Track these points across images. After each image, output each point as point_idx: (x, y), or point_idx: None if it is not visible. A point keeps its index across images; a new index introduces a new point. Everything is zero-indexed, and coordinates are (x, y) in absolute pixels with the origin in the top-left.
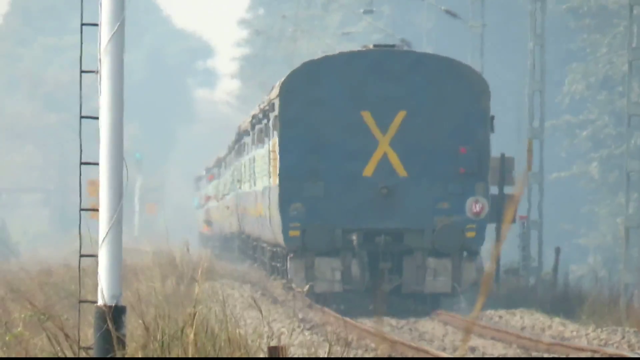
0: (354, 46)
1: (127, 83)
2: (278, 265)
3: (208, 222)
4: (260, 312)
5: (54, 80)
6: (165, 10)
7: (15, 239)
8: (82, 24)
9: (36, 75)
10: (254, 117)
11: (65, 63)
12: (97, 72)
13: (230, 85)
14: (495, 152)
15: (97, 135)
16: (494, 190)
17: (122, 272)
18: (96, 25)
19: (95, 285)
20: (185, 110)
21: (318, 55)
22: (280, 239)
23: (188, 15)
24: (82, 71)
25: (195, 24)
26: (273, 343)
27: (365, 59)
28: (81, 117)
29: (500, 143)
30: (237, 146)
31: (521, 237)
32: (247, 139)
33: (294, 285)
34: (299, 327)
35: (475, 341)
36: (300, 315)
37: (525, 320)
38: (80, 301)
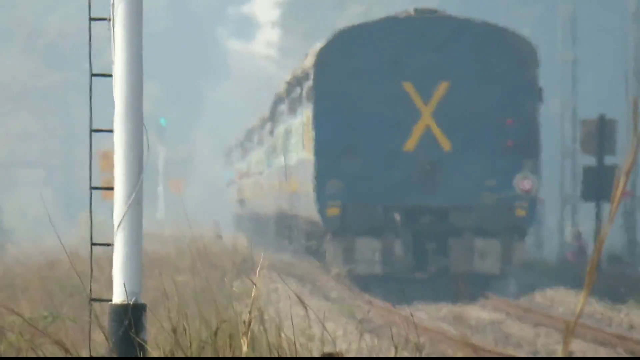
0: None
1: (146, 33)
2: (314, 245)
3: (241, 202)
4: (306, 308)
5: (56, 31)
6: None
7: (11, 224)
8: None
9: (34, 24)
10: (288, 83)
11: (69, 9)
12: (110, 19)
13: (270, 35)
14: (592, 113)
15: (110, 97)
16: (590, 160)
17: (142, 263)
18: None
19: (109, 279)
20: (216, 66)
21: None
22: (316, 217)
23: None
24: (91, 18)
25: None
26: (327, 349)
27: (405, 26)
28: (91, 74)
29: (599, 102)
30: (272, 115)
31: (625, 217)
32: (282, 108)
33: (331, 268)
34: (357, 328)
35: (572, 344)
36: (358, 315)
37: (633, 318)
38: (92, 299)
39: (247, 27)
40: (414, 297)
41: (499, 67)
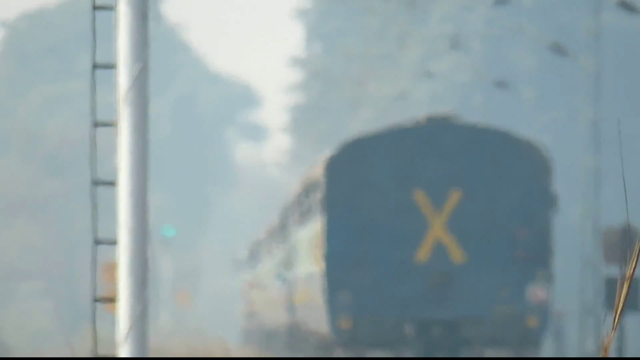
0: (437, 87)
1: (152, 139)
2: (324, 358)
3: (250, 315)
4: None
5: (57, 137)
6: (197, 49)
7: (10, 339)
8: (94, 66)
9: (34, 131)
10: (297, 194)
11: (70, 114)
12: (115, 124)
13: (280, 141)
14: (616, 221)
15: (113, 206)
16: (615, 271)
17: None
18: (112, 67)
19: None
20: (224, 174)
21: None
22: (327, 329)
23: (226, 55)
24: (95, 124)
25: (235, 66)
26: None
27: (416, 134)
28: (93, 182)
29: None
30: (282, 226)
31: None
32: (293, 218)
33: None
34: None
35: None
36: None
37: None
38: None
39: (256, 132)
40: None
41: (512, 175)
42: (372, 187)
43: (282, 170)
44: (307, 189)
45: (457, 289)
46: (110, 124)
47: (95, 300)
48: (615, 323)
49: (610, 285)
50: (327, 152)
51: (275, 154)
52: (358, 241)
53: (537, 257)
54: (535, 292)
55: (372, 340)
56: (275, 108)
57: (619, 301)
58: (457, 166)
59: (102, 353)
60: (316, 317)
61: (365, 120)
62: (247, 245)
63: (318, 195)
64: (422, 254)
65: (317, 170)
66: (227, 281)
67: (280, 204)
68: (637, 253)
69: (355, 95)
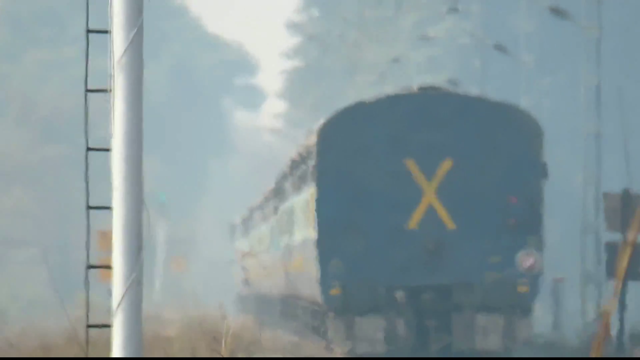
0: (435, 51)
1: (146, 105)
2: (317, 325)
3: (245, 282)
4: None
5: (51, 104)
6: (194, 12)
7: (3, 305)
8: (88, 31)
9: (28, 96)
10: (292, 161)
11: (65, 80)
12: (109, 91)
13: (276, 106)
14: (618, 186)
15: (108, 173)
16: (615, 237)
17: (142, 346)
18: (106, 32)
19: None
20: (220, 140)
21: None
22: (319, 296)
23: (223, 20)
24: (87, 90)
25: (233, 30)
26: None
27: (409, 103)
28: (88, 149)
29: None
30: (277, 193)
31: None
32: (287, 185)
33: (333, 347)
34: None
35: None
36: None
37: None
38: None
39: (253, 98)
40: None
41: (503, 144)
42: (364, 155)
43: (277, 136)
44: (302, 157)
45: (449, 255)
46: (105, 90)
47: (89, 267)
48: (617, 289)
49: (611, 251)
50: (322, 119)
51: (272, 119)
52: (350, 208)
53: (528, 224)
54: (526, 258)
55: (364, 307)
56: (272, 73)
57: (621, 267)
58: (449, 135)
59: (94, 320)
60: (309, 283)
61: (362, 85)
62: (242, 212)
63: (311, 163)
64: (414, 221)
65: (311, 138)
66: (223, 247)
67: (276, 169)
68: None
69: (353, 60)
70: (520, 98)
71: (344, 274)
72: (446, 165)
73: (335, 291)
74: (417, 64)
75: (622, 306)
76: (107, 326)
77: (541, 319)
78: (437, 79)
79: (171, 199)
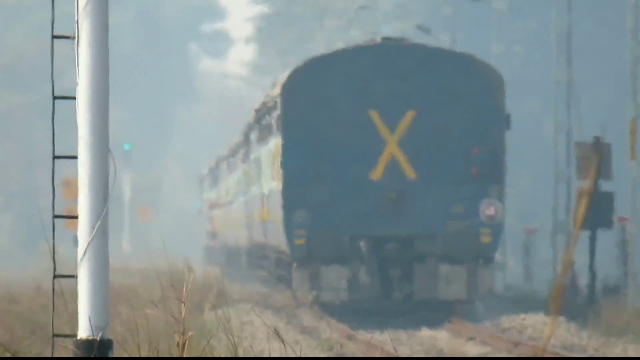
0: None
1: (112, 52)
2: (283, 273)
3: (212, 233)
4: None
5: (15, 50)
6: None
7: None
8: None
9: None
10: (257, 112)
11: (29, 26)
12: (74, 38)
13: (244, 53)
14: (587, 135)
15: (74, 121)
16: (586, 185)
17: (108, 296)
18: None
19: (74, 314)
20: (187, 87)
21: (355, 8)
22: (284, 246)
23: None
24: (54, 36)
25: None
26: None
27: (372, 54)
28: (54, 97)
29: (595, 124)
30: (243, 144)
31: (621, 245)
32: (252, 136)
33: (298, 295)
34: None
35: None
36: (339, 347)
37: (630, 354)
38: (55, 335)
39: (219, 44)
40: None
41: (466, 95)
42: (328, 107)
43: (244, 83)
44: (266, 107)
45: (411, 205)
46: (70, 37)
47: (55, 216)
48: (575, 237)
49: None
50: (286, 70)
51: (240, 65)
52: (314, 159)
53: (490, 175)
54: (488, 207)
55: (328, 256)
56: (239, 19)
57: (579, 216)
58: (413, 86)
59: (61, 270)
60: (275, 233)
61: (330, 31)
62: (209, 161)
63: (276, 114)
64: (377, 172)
65: (275, 89)
66: (190, 196)
67: (244, 116)
68: (596, 167)
69: (321, 6)
70: (491, 44)
71: (308, 224)
72: (409, 116)
73: (300, 241)
74: (385, 10)
75: (593, 256)
76: (74, 277)
77: (512, 270)
78: (406, 25)
79: (137, 148)
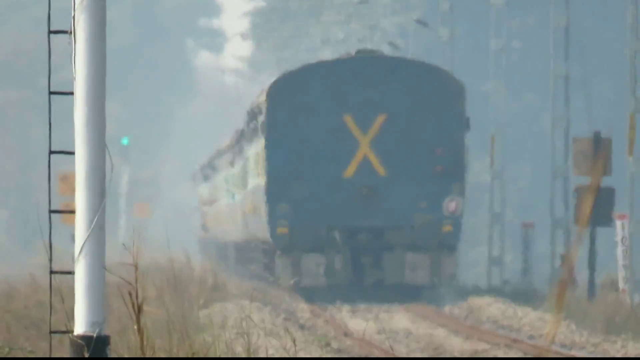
0: None
1: (109, 47)
2: (267, 261)
3: (204, 227)
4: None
5: (11, 45)
6: None
7: None
8: None
9: None
10: (247, 114)
11: (24, 21)
12: (71, 32)
13: (240, 48)
14: (588, 131)
15: (70, 116)
16: (584, 181)
17: (105, 292)
18: None
19: (71, 310)
20: (183, 82)
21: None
22: (268, 236)
23: None
24: (50, 31)
25: None
26: None
27: (347, 66)
28: (50, 92)
29: (595, 119)
30: (234, 144)
31: (621, 241)
32: (242, 137)
33: (280, 281)
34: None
35: None
36: (335, 345)
37: (630, 350)
38: (52, 332)
39: (216, 39)
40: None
41: (430, 101)
42: (308, 112)
43: (241, 78)
44: (253, 112)
45: (382, 200)
46: (67, 32)
47: (51, 211)
48: (579, 235)
49: (580, 196)
50: (286, 60)
51: (236, 60)
52: (295, 159)
53: (453, 172)
54: (450, 203)
55: (307, 245)
56: (235, 14)
57: (584, 213)
58: (383, 93)
59: (58, 267)
60: (260, 225)
61: (328, 25)
62: (205, 156)
63: (261, 118)
64: (351, 170)
65: (261, 95)
66: (187, 191)
67: (240, 111)
68: (602, 163)
69: (318, 0)
70: (489, 39)
71: (289, 216)
72: (380, 120)
73: (282, 230)
74: (383, 5)
75: (593, 252)
76: (71, 273)
77: (511, 265)
78: (405, 19)
79: (134, 142)
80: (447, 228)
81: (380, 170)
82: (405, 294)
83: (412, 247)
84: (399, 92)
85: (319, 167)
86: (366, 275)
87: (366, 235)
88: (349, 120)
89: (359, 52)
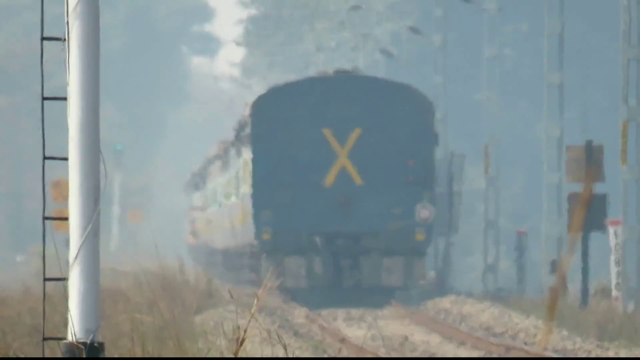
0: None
1: (103, 53)
2: (253, 264)
3: (193, 233)
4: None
5: (4, 51)
6: None
7: None
8: None
9: None
10: (234, 129)
11: (17, 27)
12: (64, 39)
13: (233, 54)
14: (580, 139)
15: (64, 122)
16: (577, 187)
17: (99, 299)
18: None
19: (64, 317)
20: (177, 88)
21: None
22: (254, 241)
23: None
24: (43, 38)
25: None
26: None
27: (326, 83)
28: (43, 98)
29: (588, 127)
30: (223, 154)
31: (614, 248)
32: (231, 148)
33: (265, 282)
34: None
35: None
36: (329, 351)
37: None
38: (45, 338)
39: (209, 45)
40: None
41: (402, 116)
42: (290, 125)
43: (235, 85)
44: (240, 125)
45: (358, 207)
46: (60, 39)
47: (45, 218)
48: (572, 243)
49: (573, 203)
50: (278, 65)
51: (229, 67)
52: (279, 169)
53: (424, 182)
54: (422, 210)
55: (289, 249)
56: (229, 21)
57: (576, 221)
58: (359, 109)
59: (51, 273)
60: (247, 230)
61: (321, 32)
62: (199, 162)
63: (247, 131)
64: (330, 179)
65: (246, 110)
66: (179, 197)
67: (233, 117)
68: (595, 170)
69: (312, 7)
70: (483, 47)
71: (274, 222)
72: (356, 133)
73: (266, 236)
74: (377, 12)
75: (586, 259)
76: (64, 279)
77: (505, 273)
78: (398, 26)
79: (127, 148)
80: (420, 236)
81: (357, 179)
82: (381, 294)
83: (387, 252)
84: (373, 108)
85: (300, 176)
86: (345, 278)
87: (344, 240)
88: (328, 133)
89: (337, 71)
